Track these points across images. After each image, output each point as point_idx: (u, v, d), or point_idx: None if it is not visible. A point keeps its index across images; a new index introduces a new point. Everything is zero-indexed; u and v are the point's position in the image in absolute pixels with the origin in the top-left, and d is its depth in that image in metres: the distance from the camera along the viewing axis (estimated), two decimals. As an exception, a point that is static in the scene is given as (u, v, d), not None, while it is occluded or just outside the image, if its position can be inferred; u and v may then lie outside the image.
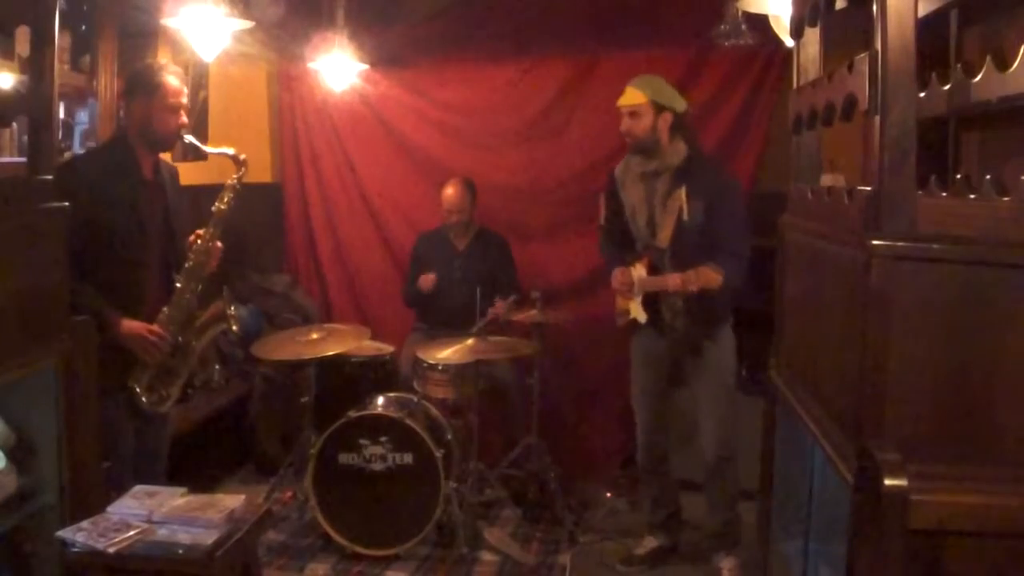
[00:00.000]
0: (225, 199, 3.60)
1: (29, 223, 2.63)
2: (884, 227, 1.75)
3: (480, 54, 5.62)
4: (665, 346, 4.08)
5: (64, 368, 2.75)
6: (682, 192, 3.87)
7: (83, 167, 3.42)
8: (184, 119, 3.51)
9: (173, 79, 3.46)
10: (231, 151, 3.68)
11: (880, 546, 1.67)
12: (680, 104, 3.98)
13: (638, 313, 4.04)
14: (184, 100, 3.50)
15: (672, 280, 3.77)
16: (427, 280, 5.19)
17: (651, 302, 4.00)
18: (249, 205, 5.60)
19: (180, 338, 3.50)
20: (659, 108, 3.92)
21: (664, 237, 3.92)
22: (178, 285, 3.51)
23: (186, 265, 3.52)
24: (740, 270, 3.82)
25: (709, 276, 3.67)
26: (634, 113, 3.94)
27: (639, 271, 3.99)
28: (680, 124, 3.98)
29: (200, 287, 3.55)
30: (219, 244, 3.60)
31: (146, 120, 3.44)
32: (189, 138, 3.58)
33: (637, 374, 4.25)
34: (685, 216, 3.86)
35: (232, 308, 3.61)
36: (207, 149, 3.76)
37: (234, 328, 3.66)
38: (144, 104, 3.44)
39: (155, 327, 3.40)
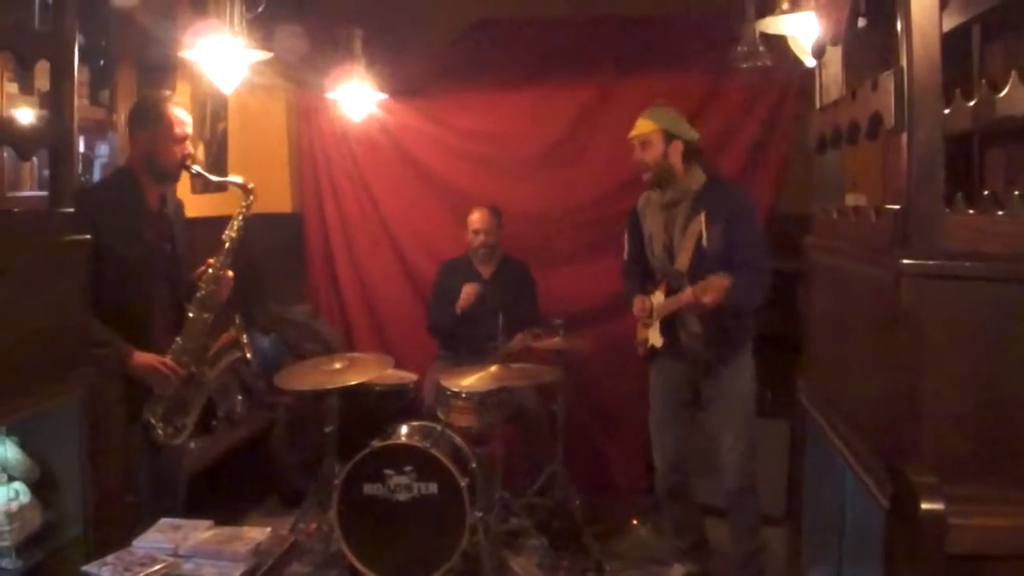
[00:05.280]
0: (234, 228, 3.60)
1: (50, 256, 2.64)
2: (913, 245, 1.73)
3: (498, 81, 5.62)
4: (683, 372, 4.09)
5: (87, 401, 2.74)
6: (702, 218, 3.89)
7: (88, 200, 3.27)
8: (189, 149, 3.52)
9: (177, 110, 3.48)
10: (239, 180, 3.70)
11: (916, 572, 1.63)
12: (690, 134, 4.04)
13: (655, 339, 4.04)
14: (188, 130, 3.51)
15: (685, 295, 3.79)
16: (469, 292, 5.10)
17: (668, 327, 4.01)
18: (269, 235, 5.66)
19: (193, 368, 3.48)
20: (669, 137, 3.98)
21: (683, 261, 3.92)
22: (190, 315, 3.49)
23: (197, 295, 3.51)
24: (759, 283, 3.81)
25: (717, 283, 3.65)
26: (645, 142, 4.00)
27: (658, 297, 4.01)
28: (693, 153, 4.03)
29: (212, 316, 3.54)
30: (230, 273, 3.59)
31: (151, 151, 3.45)
32: (196, 168, 3.59)
33: (656, 401, 4.23)
34: (704, 242, 3.87)
35: (245, 336, 3.61)
36: (214, 179, 3.77)
37: (248, 356, 3.66)
38: (148, 135, 3.46)
39: (167, 359, 3.39)
